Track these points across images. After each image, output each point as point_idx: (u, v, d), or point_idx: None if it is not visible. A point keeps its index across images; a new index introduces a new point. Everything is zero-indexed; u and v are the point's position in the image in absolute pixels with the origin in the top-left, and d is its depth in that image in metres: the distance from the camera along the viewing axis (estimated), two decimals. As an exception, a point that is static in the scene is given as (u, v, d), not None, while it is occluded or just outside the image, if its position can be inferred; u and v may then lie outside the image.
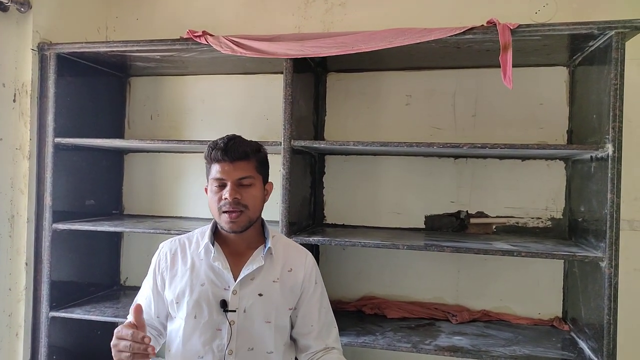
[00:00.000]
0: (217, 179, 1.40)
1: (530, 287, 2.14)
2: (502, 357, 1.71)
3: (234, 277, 1.43)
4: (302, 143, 1.90)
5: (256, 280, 1.44)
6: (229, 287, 1.42)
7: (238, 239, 1.46)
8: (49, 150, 2.10)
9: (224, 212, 1.39)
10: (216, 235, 1.50)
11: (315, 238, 1.89)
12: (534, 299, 2.13)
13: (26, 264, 2.13)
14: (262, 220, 1.53)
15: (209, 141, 1.94)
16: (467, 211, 2.20)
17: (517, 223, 2.15)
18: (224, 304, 1.40)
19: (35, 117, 2.13)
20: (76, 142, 2.13)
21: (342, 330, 1.92)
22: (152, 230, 2.04)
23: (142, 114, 2.56)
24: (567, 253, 1.69)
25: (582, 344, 1.82)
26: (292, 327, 1.52)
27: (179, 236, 1.55)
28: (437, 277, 2.22)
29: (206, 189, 1.48)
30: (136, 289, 2.46)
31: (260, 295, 1.43)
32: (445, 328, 2.00)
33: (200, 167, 2.46)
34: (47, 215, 2.09)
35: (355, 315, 2.15)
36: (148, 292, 1.52)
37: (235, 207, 1.38)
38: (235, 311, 1.40)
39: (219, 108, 2.46)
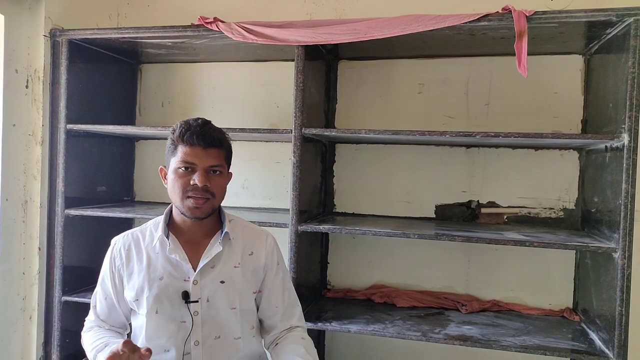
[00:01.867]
0: (186, 162, 1.34)
1: (541, 278, 2.13)
2: (512, 346, 1.70)
3: (193, 267, 1.39)
4: (313, 131, 1.89)
5: (217, 267, 1.41)
6: (188, 278, 1.39)
7: (195, 227, 1.42)
8: (61, 136, 2.11)
9: (190, 197, 1.34)
10: (170, 225, 1.45)
11: (325, 226, 1.89)
12: (544, 290, 2.12)
13: (39, 249, 2.15)
14: (220, 206, 1.47)
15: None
16: (478, 201, 2.18)
17: (529, 213, 2.13)
18: (185, 296, 1.37)
19: (48, 103, 2.15)
20: (88, 128, 2.14)
21: (352, 318, 1.93)
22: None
23: (153, 101, 2.57)
24: (579, 244, 1.68)
25: (593, 335, 1.81)
26: (257, 309, 1.50)
27: (131, 230, 1.50)
28: (447, 266, 2.21)
29: (161, 170, 1.43)
30: (147, 274, 2.51)
31: (222, 282, 1.40)
32: (455, 317, 2.00)
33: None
34: (60, 201, 2.11)
35: (364, 304, 2.15)
36: (108, 291, 1.47)
37: (203, 194, 1.34)
38: (197, 301, 1.38)
39: (229, 95, 2.45)
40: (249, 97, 2.42)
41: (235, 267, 1.43)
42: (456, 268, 2.21)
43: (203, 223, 1.42)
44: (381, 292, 2.20)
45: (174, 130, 1.38)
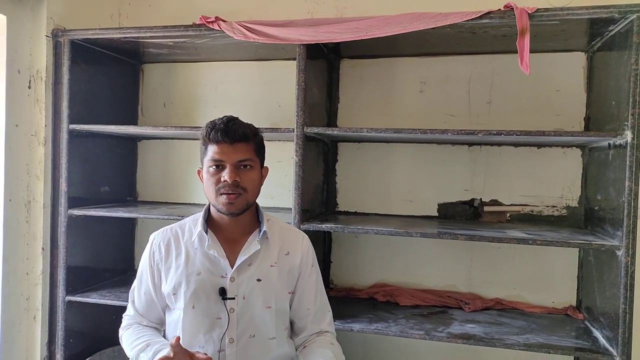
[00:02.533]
0: (215, 160, 1.36)
1: (544, 276, 2.12)
2: (515, 345, 1.70)
3: (230, 264, 1.41)
4: (315, 130, 1.89)
5: (253, 265, 1.42)
6: (226, 274, 1.40)
7: (233, 224, 1.44)
8: (64, 136, 2.11)
9: (222, 193, 1.36)
10: (209, 222, 1.47)
11: (328, 225, 1.89)
12: (547, 288, 2.12)
13: (42, 249, 2.16)
14: (257, 204, 1.49)
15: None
16: (481, 199, 2.18)
17: (532, 211, 2.13)
18: (222, 292, 1.38)
19: (50, 103, 2.15)
20: (90, 128, 2.15)
21: (355, 317, 1.93)
22: (166, 217, 2.05)
23: (155, 101, 2.57)
24: (582, 241, 1.67)
25: (597, 333, 1.80)
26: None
27: (170, 225, 1.52)
28: (450, 265, 2.21)
29: (199, 172, 1.45)
30: (150, 274, 2.52)
31: (258, 280, 1.41)
32: (458, 316, 2.00)
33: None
34: (63, 201, 2.11)
35: (367, 303, 2.15)
36: (147, 286, 1.49)
37: (234, 190, 1.35)
38: (234, 298, 1.39)
39: (231, 95, 2.45)
40: (250, 96, 2.42)
41: (271, 266, 1.44)
42: (459, 266, 2.20)
43: (241, 220, 1.44)
44: (384, 291, 2.20)
45: (202, 131, 1.40)
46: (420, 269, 2.24)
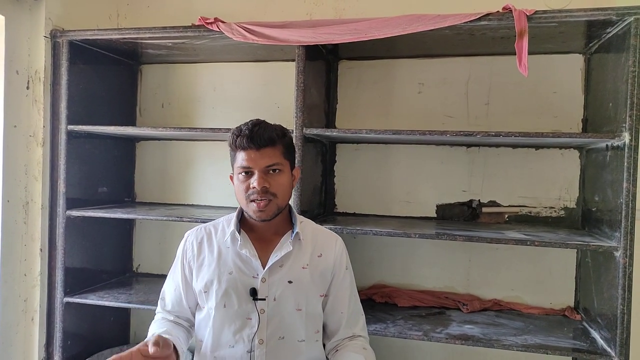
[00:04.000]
0: (244, 167, 1.36)
1: (542, 277, 2.13)
2: (513, 346, 1.70)
3: (262, 265, 1.40)
4: (314, 131, 1.89)
5: (285, 267, 1.41)
6: (257, 274, 1.40)
7: (265, 225, 1.43)
8: (62, 137, 2.11)
9: (252, 200, 1.36)
10: (242, 222, 1.47)
11: (326, 226, 1.88)
12: (545, 289, 2.13)
13: (41, 250, 2.15)
14: (290, 206, 1.49)
15: (220, 129, 1.98)
16: (479, 200, 2.19)
17: (530, 212, 2.14)
18: (253, 292, 1.38)
19: (49, 104, 2.15)
20: (89, 129, 2.14)
21: (353, 317, 1.93)
22: (164, 218, 2.05)
23: (154, 102, 2.57)
24: (580, 242, 1.68)
25: (595, 334, 1.81)
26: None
27: (205, 224, 1.53)
28: (448, 266, 2.22)
29: (231, 177, 1.44)
30: (148, 275, 2.52)
31: (290, 282, 1.40)
32: (456, 317, 2.00)
33: (211, 154, 2.48)
34: (61, 202, 2.11)
35: (365, 304, 2.13)
36: (178, 283, 1.49)
37: (263, 196, 1.34)
38: (265, 299, 1.38)
39: (230, 96, 2.45)
40: (249, 97, 2.42)
41: (303, 268, 1.43)
42: (457, 267, 2.21)
43: (272, 222, 1.43)
44: (382, 292, 2.20)
45: (229, 137, 1.40)
46: (418, 270, 2.25)
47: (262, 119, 1.42)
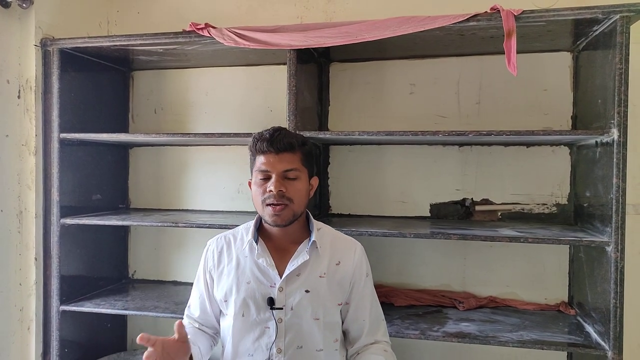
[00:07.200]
0: (262, 171, 1.37)
1: (536, 273, 2.15)
2: (509, 342, 1.72)
3: (279, 274, 1.41)
4: (307, 134, 1.89)
5: (302, 276, 1.42)
6: (275, 284, 1.40)
7: (282, 233, 1.44)
8: (55, 145, 2.10)
9: (268, 204, 1.36)
10: (260, 231, 1.48)
11: (322, 228, 1.90)
12: (540, 285, 2.15)
13: (35, 259, 2.14)
14: (307, 213, 1.50)
15: (213, 134, 1.98)
16: (472, 199, 2.20)
17: (523, 209, 2.16)
18: (271, 302, 1.39)
19: (40, 112, 2.14)
20: (81, 137, 2.14)
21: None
22: (159, 224, 2.05)
23: (146, 108, 2.57)
24: (573, 238, 1.70)
25: (589, 328, 1.83)
26: (342, 322, 1.50)
27: (225, 233, 1.54)
28: (444, 264, 2.23)
29: (250, 184, 1.45)
30: (144, 282, 2.51)
31: (307, 291, 1.41)
32: (453, 315, 2.02)
33: (204, 159, 2.48)
34: (55, 210, 2.10)
35: (362, 304, 2.16)
36: (202, 291, 1.52)
37: (279, 200, 1.35)
38: (282, 309, 1.39)
39: (222, 100, 2.46)
40: (242, 101, 2.43)
41: (320, 277, 1.43)
42: (452, 266, 2.23)
43: (289, 230, 1.44)
44: (379, 292, 2.16)
45: (250, 142, 1.41)
46: (414, 270, 2.26)
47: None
